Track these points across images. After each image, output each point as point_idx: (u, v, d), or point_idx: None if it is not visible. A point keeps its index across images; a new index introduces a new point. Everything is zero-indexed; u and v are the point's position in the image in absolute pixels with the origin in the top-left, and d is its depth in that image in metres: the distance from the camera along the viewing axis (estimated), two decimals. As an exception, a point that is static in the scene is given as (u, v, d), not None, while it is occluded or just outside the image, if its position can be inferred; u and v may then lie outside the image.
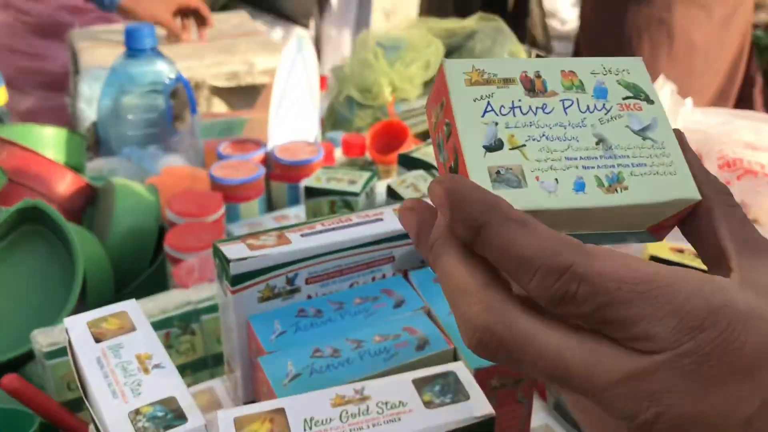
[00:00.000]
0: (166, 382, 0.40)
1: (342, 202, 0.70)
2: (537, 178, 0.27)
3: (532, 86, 0.30)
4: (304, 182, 0.72)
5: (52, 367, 0.55)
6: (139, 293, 0.86)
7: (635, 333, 0.23)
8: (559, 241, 0.24)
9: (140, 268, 0.87)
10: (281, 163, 0.92)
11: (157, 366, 0.41)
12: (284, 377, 0.41)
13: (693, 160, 0.30)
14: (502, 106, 0.29)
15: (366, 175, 0.73)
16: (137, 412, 0.38)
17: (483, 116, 0.28)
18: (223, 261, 0.45)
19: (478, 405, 0.38)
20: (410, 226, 0.29)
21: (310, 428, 0.36)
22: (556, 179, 0.28)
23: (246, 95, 1.62)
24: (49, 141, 1.10)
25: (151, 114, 1.33)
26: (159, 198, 0.91)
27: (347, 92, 1.19)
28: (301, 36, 1.03)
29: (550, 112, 0.29)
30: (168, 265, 0.79)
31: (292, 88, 1.00)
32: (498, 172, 0.27)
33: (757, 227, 0.88)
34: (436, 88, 0.30)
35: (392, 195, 0.70)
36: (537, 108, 0.29)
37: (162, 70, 1.32)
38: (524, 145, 0.28)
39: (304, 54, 1.05)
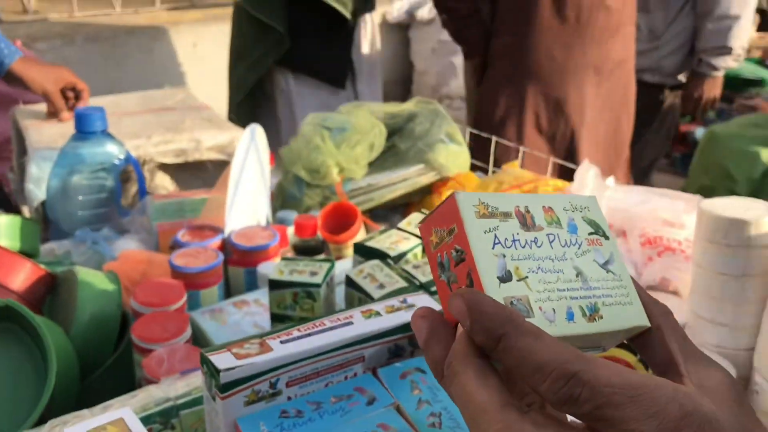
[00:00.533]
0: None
1: (304, 293, 0.76)
2: (540, 308, 0.34)
3: (524, 221, 0.36)
4: (269, 275, 0.77)
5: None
6: (104, 381, 0.88)
7: (625, 429, 0.29)
8: (567, 352, 0.31)
9: (104, 356, 0.89)
10: (239, 249, 0.97)
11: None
12: (275, 478, 0.46)
13: (641, 291, 0.37)
14: (506, 238, 0.35)
15: (326, 266, 0.78)
16: None
17: (493, 248, 0.35)
18: (212, 370, 0.50)
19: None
20: (420, 332, 0.35)
21: None
22: (554, 309, 0.34)
23: (193, 171, 1.66)
24: (2, 229, 1.12)
25: (101, 194, 1.36)
26: (120, 285, 0.94)
27: (296, 172, 1.25)
28: (253, 125, 1.10)
29: (540, 246, 0.36)
30: (135, 354, 0.82)
31: (247, 173, 1.06)
32: (512, 303, 0.34)
33: (678, 299, 0.97)
34: (442, 213, 0.36)
35: (351, 285, 0.76)
36: (531, 242, 0.36)
37: (112, 151, 1.35)
38: (527, 277, 0.35)
39: (257, 141, 1.11)
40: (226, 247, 0.99)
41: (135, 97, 1.84)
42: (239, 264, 0.98)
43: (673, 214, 1.00)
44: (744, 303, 0.80)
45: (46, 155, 1.51)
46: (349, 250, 1.07)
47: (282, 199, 1.29)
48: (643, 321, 0.36)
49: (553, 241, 0.37)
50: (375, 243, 0.84)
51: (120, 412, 0.50)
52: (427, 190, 1.27)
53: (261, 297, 0.91)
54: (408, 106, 1.33)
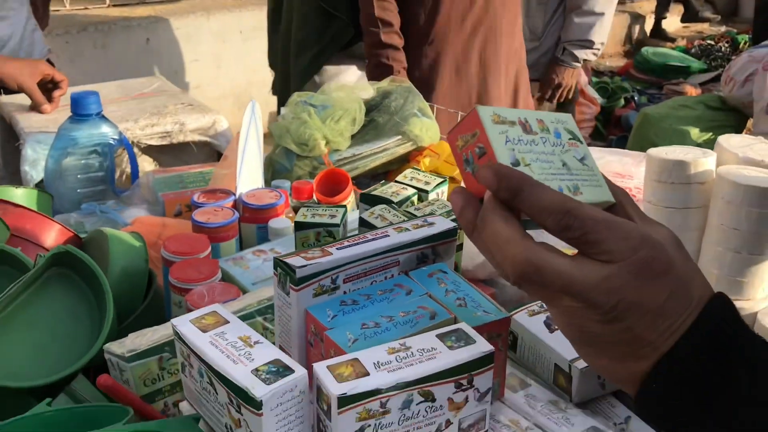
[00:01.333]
0: (269, 351, 0.57)
1: (326, 232, 0.89)
2: None
3: (525, 127, 0.51)
4: (296, 218, 0.90)
5: (132, 369, 0.70)
6: (136, 328, 1.00)
7: (603, 249, 0.44)
8: (564, 197, 0.46)
9: (134, 306, 1.00)
10: (250, 207, 1.10)
11: (257, 342, 0.58)
12: (348, 342, 0.59)
13: (606, 179, 0.53)
14: (514, 138, 0.50)
15: (341, 210, 0.92)
16: (257, 370, 0.55)
17: (506, 144, 0.50)
18: (286, 270, 0.63)
19: (482, 346, 0.58)
20: (456, 203, 0.50)
21: (378, 367, 0.55)
22: (549, 185, 0.49)
23: (175, 153, 1.76)
24: (20, 200, 1.21)
25: (98, 173, 1.46)
26: (145, 242, 1.05)
27: (285, 145, 1.37)
28: (253, 101, 1.22)
29: (537, 145, 0.51)
30: (173, 295, 0.93)
31: (250, 143, 1.18)
32: None
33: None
34: (467, 122, 0.51)
35: (364, 224, 0.89)
36: (530, 141, 0.51)
37: (107, 133, 1.45)
38: (530, 164, 0.49)
39: (256, 116, 1.23)
40: (238, 206, 1.11)
41: (114, 86, 1.92)
42: (251, 221, 1.10)
43: (622, 167, 1.17)
44: (687, 231, 0.97)
45: (40, 138, 1.60)
46: (343, 210, 1.21)
47: (272, 171, 1.41)
48: (610, 197, 0.51)
49: (545, 142, 0.52)
50: (379, 192, 0.98)
51: (212, 307, 0.63)
52: (405, 159, 1.41)
53: (275, 246, 1.03)
54: (383, 85, 1.47)
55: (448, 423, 0.58)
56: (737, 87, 2.69)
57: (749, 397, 0.44)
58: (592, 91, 4.32)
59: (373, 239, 0.67)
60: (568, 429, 0.64)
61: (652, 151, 0.99)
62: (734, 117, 2.86)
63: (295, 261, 0.62)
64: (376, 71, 1.92)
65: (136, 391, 0.70)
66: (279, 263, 0.63)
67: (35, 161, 1.56)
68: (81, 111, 1.42)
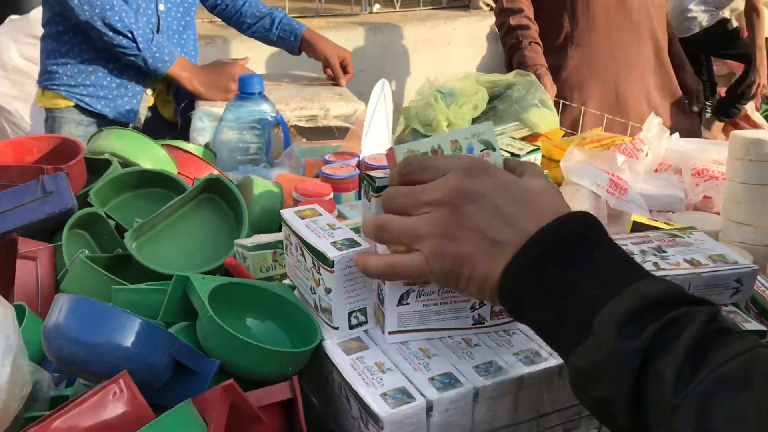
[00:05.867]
0: (347, 232, 0.74)
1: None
2: None
3: (436, 153, 0.65)
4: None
5: (252, 256, 0.89)
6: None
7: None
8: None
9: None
10: (370, 166, 1.28)
11: (339, 227, 0.75)
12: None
13: None
14: None
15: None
16: (335, 242, 0.72)
17: None
18: (370, 181, 0.79)
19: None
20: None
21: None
22: None
23: (322, 135, 1.99)
24: (191, 150, 1.47)
25: (255, 144, 1.70)
26: (283, 190, 1.25)
27: (413, 126, 1.55)
28: (383, 80, 1.40)
29: None
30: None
31: (377, 115, 1.36)
32: None
33: (717, 217, 1.19)
34: (389, 160, 0.68)
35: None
36: None
37: (266, 110, 1.69)
38: None
39: (385, 94, 1.41)
40: (361, 165, 1.30)
41: (285, 76, 2.21)
42: (370, 179, 1.28)
43: (720, 155, 1.23)
44: (763, 206, 1.03)
45: (208, 112, 1.89)
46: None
47: (400, 148, 1.58)
48: None
49: None
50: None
51: (312, 205, 0.81)
52: (520, 143, 1.53)
53: (387, 198, 1.20)
54: (508, 77, 1.61)
55: (482, 303, 0.71)
56: None
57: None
58: (759, 118, 4.18)
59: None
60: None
61: (735, 132, 1.06)
62: None
63: (376, 174, 0.79)
64: (509, 55, 2.07)
65: (254, 275, 0.89)
66: (365, 177, 0.80)
67: (202, 129, 1.84)
68: (246, 90, 1.68)
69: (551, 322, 0.54)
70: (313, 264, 0.73)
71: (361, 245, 0.72)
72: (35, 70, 2.44)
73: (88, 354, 0.58)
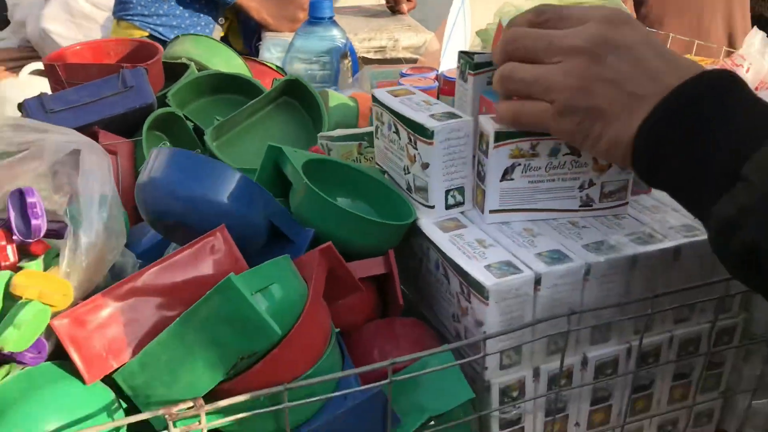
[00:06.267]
0: (444, 107, 0.70)
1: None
2: None
3: None
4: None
5: (337, 147, 0.86)
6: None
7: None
8: None
9: (344, 150, 1.17)
10: (449, 80, 1.22)
11: (435, 103, 0.71)
12: (511, 110, 0.70)
13: None
14: None
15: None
16: (433, 115, 0.68)
17: None
18: (466, 59, 0.74)
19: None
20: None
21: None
22: None
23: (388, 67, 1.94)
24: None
25: (325, 71, 1.66)
26: (358, 104, 1.22)
27: (489, 45, 1.49)
28: (463, -3, 1.35)
29: None
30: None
31: (456, 30, 1.31)
32: None
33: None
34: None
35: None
36: None
37: (335, 36, 1.65)
38: None
39: (465, 7, 1.35)
40: (439, 79, 1.25)
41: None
42: (448, 93, 1.23)
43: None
44: None
45: (275, 42, 1.86)
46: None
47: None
48: None
49: None
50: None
51: (405, 86, 0.77)
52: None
53: (468, 110, 1.16)
54: (590, -2, 1.53)
55: (591, 183, 0.67)
56: None
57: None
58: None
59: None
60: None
61: None
62: None
63: (474, 54, 0.74)
64: None
65: (337, 164, 0.86)
66: (461, 55, 0.75)
67: (270, 60, 1.81)
68: (317, 14, 1.64)
69: (691, 175, 0.49)
70: (409, 140, 0.69)
71: (461, 117, 0.67)
72: (101, 15, 2.45)
73: (186, 207, 0.56)
